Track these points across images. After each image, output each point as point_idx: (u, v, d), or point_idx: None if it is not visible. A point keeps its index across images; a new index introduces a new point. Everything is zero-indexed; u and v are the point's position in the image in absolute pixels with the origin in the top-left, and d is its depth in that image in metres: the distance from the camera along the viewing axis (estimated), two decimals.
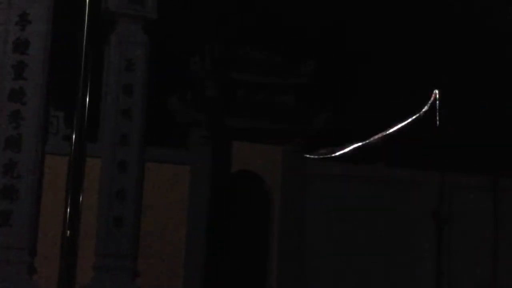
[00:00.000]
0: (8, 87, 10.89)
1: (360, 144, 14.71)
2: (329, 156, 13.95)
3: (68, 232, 8.50)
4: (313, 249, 13.30)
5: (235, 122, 12.87)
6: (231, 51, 13.23)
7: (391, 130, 14.85)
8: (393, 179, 14.13)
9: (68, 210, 8.68)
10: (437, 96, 14.27)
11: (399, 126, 15.04)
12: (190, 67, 12.93)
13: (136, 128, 11.91)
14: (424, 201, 14.19)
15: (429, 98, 14.91)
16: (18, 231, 10.57)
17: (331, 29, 15.57)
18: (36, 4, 11.15)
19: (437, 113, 14.11)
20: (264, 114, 13.06)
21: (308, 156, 13.50)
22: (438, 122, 14.00)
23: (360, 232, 13.68)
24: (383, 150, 14.25)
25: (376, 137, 14.64)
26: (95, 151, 10.99)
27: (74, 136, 9.06)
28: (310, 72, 13.39)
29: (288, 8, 15.13)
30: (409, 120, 15.08)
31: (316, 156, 13.68)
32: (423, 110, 14.14)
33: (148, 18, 12.18)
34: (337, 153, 14.28)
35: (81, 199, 8.74)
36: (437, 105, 14.29)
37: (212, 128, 12.71)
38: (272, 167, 13.11)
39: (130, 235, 11.54)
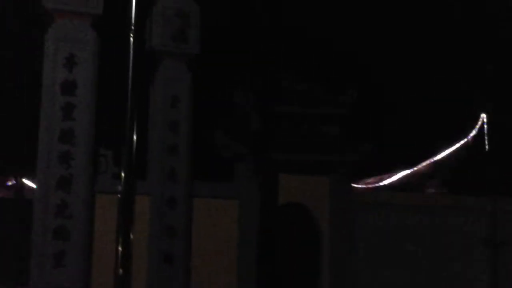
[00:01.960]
0: (57, 128, 11.05)
1: (407, 171, 14.54)
2: (376, 185, 13.83)
3: (121, 270, 8.52)
4: (364, 278, 13.10)
5: (280, 154, 12.84)
6: (273, 83, 13.27)
7: (438, 157, 14.65)
8: (443, 206, 13.89)
9: (120, 248, 8.72)
10: (485, 120, 14.06)
11: (446, 152, 14.83)
12: (233, 101, 13.00)
13: (183, 164, 11.96)
14: (476, 227, 13.90)
15: (476, 122, 14.68)
16: (71, 271, 10.64)
17: (371, 59, 15.55)
18: (82, 46, 11.35)
19: (486, 138, 13.88)
20: (309, 145, 13.04)
21: (355, 185, 13.39)
22: (487, 147, 13.77)
23: (411, 260, 13.45)
24: (432, 177, 14.06)
25: (423, 164, 14.46)
26: (144, 188, 11.07)
27: (123, 175, 9.15)
28: (351, 102, 13.34)
29: (327, 39, 15.18)
30: (457, 145, 14.86)
31: (363, 186, 13.56)
32: (471, 135, 13.94)
33: (191, 54, 12.30)
34: (385, 182, 14.13)
35: (131, 237, 8.78)
36: (485, 129, 14.08)
37: (258, 161, 12.70)
38: (319, 198, 13.03)
39: (181, 271, 11.53)
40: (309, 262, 12.98)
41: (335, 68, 14.56)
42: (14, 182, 14.23)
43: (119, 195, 8.96)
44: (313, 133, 13.25)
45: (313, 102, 13.25)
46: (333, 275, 12.86)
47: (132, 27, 9.21)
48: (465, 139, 14.08)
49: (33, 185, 13.19)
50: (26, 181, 14.13)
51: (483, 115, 14.27)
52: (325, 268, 12.93)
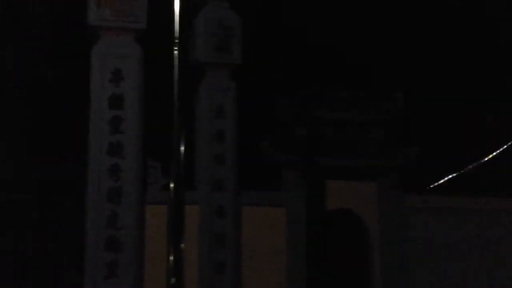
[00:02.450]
0: (106, 142, 11.27)
1: (456, 174, 14.33)
2: (426, 189, 13.67)
3: (173, 280, 8.63)
4: (416, 286, 12.93)
5: (327, 161, 12.84)
6: (317, 90, 13.28)
7: (487, 158, 14.42)
8: (495, 209, 13.62)
9: (171, 258, 8.83)
10: None
11: (496, 153, 14.58)
12: (278, 109, 13.05)
13: (231, 173, 12.06)
14: None
15: None
16: (124, 281, 10.82)
17: (414, 63, 15.44)
18: (128, 60, 11.58)
19: None
20: (355, 150, 12.99)
21: (404, 190, 13.25)
22: None
23: (464, 266, 13.21)
24: (484, 179, 13.82)
25: (473, 166, 14.23)
26: (193, 198, 11.19)
27: (172, 185, 9.28)
28: (396, 108, 13.26)
29: (370, 43, 15.13)
30: (505, 146, 14.60)
31: (413, 191, 13.41)
32: None
33: (235, 65, 12.42)
34: (434, 185, 13.95)
35: (182, 246, 8.89)
36: None
37: (304, 168, 12.71)
38: (368, 204, 12.95)
39: (232, 279, 11.60)
40: (359, 269, 12.90)
41: (379, 73, 14.49)
42: None
43: (169, 206, 9.09)
44: (359, 138, 13.20)
45: (357, 108, 13.21)
46: (384, 282, 12.74)
47: (176, 40, 9.38)
48: None
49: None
50: None
51: None
52: (376, 275, 12.82)
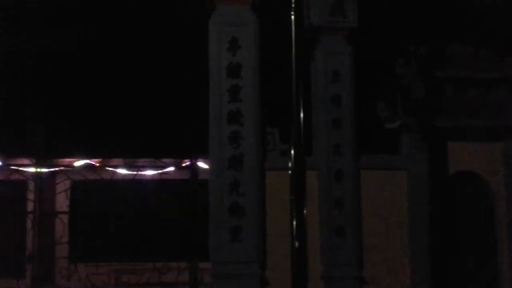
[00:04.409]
0: (225, 110, 11.52)
1: None
2: None
3: (296, 243, 8.79)
4: None
5: (447, 122, 12.51)
6: (435, 49, 12.90)
7: None
8: None
9: (294, 222, 8.98)
10: None
11: None
12: (395, 70, 12.80)
13: (348, 138, 12.02)
14: None
15: None
16: (248, 246, 11.11)
17: None
18: (244, 29, 11.71)
19: None
20: (478, 111, 12.56)
21: None
22: None
23: None
24: None
25: None
26: (311, 163, 11.24)
27: (292, 152, 9.40)
28: None
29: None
30: None
31: None
32: None
33: (350, 28, 12.28)
34: None
35: (304, 211, 9.02)
36: None
37: (423, 130, 12.45)
38: (492, 166, 12.54)
39: (352, 242, 11.65)
40: (484, 233, 12.56)
41: (503, 29, 13.84)
42: (189, 163, 15.03)
43: (288, 171, 9.24)
44: (481, 98, 12.74)
45: (477, 66, 12.73)
46: (510, 247, 12.35)
47: (292, 5, 9.39)
48: None
49: (206, 166, 13.85)
50: (199, 163, 14.86)
51: None
52: (502, 239, 12.44)
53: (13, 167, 16.56)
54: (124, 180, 16.81)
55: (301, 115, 9.41)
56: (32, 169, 15.96)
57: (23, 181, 16.56)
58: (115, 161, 17.27)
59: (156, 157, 16.06)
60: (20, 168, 16.48)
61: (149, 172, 17.39)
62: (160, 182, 16.94)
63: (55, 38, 16.12)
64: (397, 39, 13.58)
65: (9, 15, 15.91)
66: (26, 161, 16.30)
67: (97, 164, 17.11)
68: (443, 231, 12.18)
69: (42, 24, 16.19)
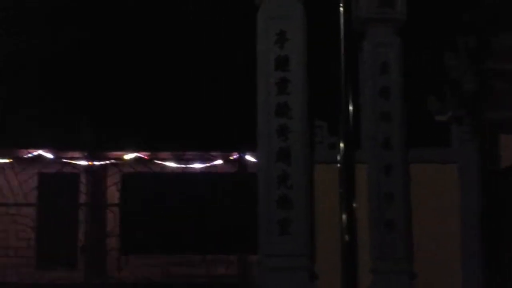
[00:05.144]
0: (273, 103, 11.51)
1: None
2: None
3: (346, 237, 8.79)
4: None
5: (499, 114, 12.30)
6: (485, 40, 12.67)
7: None
8: None
9: (344, 216, 8.97)
10: None
11: None
12: (444, 63, 12.63)
13: (397, 131, 11.90)
14: None
15: None
16: (297, 238, 11.08)
17: None
18: (291, 22, 11.67)
19: None
20: None
21: None
22: None
23: None
24: None
25: None
26: (360, 157, 11.21)
27: (341, 145, 9.36)
28: None
29: None
30: None
31: None
32: None
33: (398, 20, 12.15)
34: None
35: (354, 204, 9.01)
36: None
37: (474, 123, 12.26)
38: None
39: (402, 236, 11.56)
40: None
41: None
42: (236, 157, 15.13)
43: (337, 165, 9.22)
44: None
45: None
46: None
47: None
48: None
49: (253, 159, 13.93)
50: (247, 156, 14.95)
51: None
52: None
53: (65, 160, 16.93)
54: (174, 173, 17.03)
55: (350, 107, 9.36)
56: (84, 162, 16.30)
57: (75, 174, 16.93)
58: (164, 154, 17.49)
59: (204, 150, 16.23)
60: (72, 161, 16.84)
61: (197, 165, 17.58)
62: (208, 175, 17.11)
63: (100, 32, 16.33)
64: (446, 30, 13.40)
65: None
66: (77, 155, 16.64)
67: (147, 157, 17.37)
68: (495, 225, 11.98)
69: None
